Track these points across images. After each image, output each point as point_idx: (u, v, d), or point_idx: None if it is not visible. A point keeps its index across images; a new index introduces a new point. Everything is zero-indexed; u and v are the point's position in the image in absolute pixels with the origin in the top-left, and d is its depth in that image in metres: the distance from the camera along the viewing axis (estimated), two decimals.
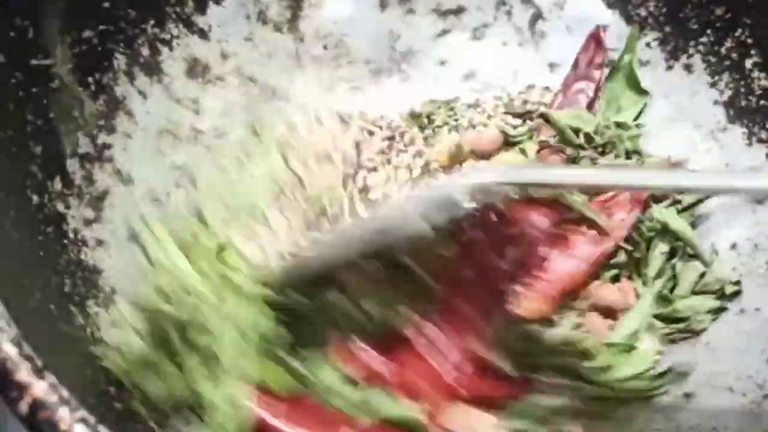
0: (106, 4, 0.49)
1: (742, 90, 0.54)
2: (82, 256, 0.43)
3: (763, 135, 0.52)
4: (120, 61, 0.50)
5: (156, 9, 0.52)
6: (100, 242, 0.45)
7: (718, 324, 0.48)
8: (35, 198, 0.41)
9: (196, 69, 0.55)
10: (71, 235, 0.43)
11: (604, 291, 0.48)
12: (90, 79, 0.48)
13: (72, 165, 0.45)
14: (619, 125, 0.55)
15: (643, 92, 0.57)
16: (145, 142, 0.51)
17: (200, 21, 0.55)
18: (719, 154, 0.54)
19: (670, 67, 0.57)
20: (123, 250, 0.46)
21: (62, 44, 0.45)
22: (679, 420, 0.44)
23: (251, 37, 0.58)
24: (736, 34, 0.54)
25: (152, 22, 0.52)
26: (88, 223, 0.45)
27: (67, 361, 0.34)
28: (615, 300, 0.48)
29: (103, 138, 0.48)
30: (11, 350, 0.28)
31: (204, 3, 0.56)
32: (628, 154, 0.54)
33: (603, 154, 0.54)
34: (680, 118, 0.56)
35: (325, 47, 0.60)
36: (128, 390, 0.37)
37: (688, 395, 0.45)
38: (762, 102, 0.53)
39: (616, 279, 0.50)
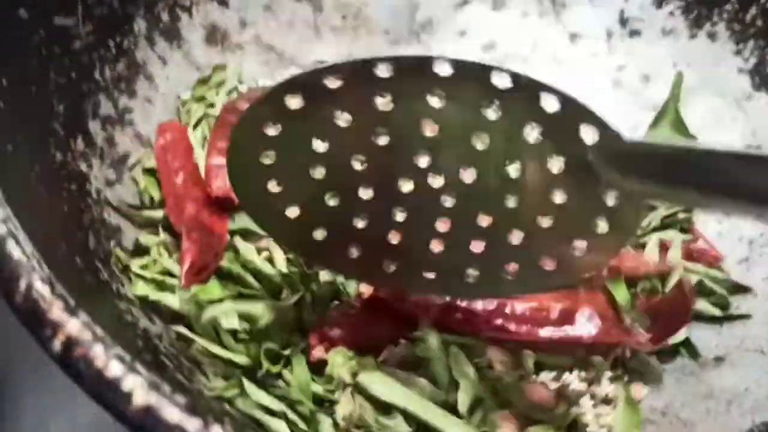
0: None
1: None
2: (105, 216, 0.42)
3: None
4: (140, 25, 0.49)
5: None
6: (123, 203, 0.44)
7: None
8: (58, 155, 0.40)
9: (215, 36, 0.55)
10: (94, 195, 0.42)
11: None
12: (111, 42, 0.47)
13: (94, 126, 0.45)
14: None
15: (691, 137, 0.54)
16: (165, 107, 0.50)
17: None
18: (744, 123, 0.54)
19: (693, 36, 0.57)
20: None
21: (84, 4, 0.45)
22: (710, 383, 0.43)
23: (270, 6, 0.57)
24: (761, 1, 0.53)
25: None
26: (110, 183, 0.44)
27: (95, 311, 0.33)
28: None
29: (124, 102, 0.47)
30: (44, 289, 0.27)
31: None
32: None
33: None
34: (704, 87, 0.56)
35: (344, 17, 0.60)
36: (152, 342, 0.36)
37: (718, 358, 0.44)
38: None
39: None
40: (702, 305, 0.46)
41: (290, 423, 0.36)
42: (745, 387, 0.42)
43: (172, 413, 0.24)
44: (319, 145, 0.32)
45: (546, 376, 0.42)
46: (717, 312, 0.46)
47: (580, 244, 0.32)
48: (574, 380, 0.42)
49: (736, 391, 0.42)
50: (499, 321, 0.40)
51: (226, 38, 0.55)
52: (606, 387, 0.43)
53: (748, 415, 0.40)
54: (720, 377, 0.43)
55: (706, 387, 0.43)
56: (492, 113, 0.30)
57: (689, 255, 0.48)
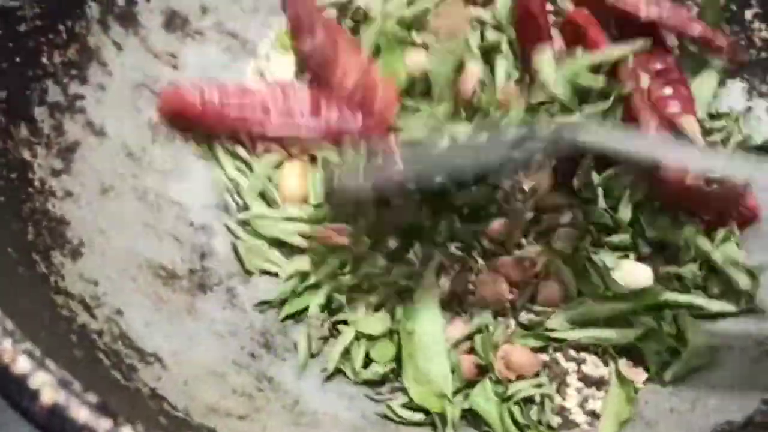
0: None
1: (742, 43, 0.51)
2: (49, 206, 0.41)
3: (764, 88, 0.50)
4: (93, 9, 0.48)
5: None
6: (69, 193, 0.42)
7: None
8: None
9: (174, 22, 0.53)
10: (37, 184, 0.41)
11: None
12: (61, 27, 0.45)
13: (40, 113, 0.43)
14: None
15: None
16: (120, 95, 0.48)
17: None
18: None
19: None
20: (93, 203, 0.44)
21: None
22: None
23: None
24: None
25: None
26: (56, 173, 0.42)
27: (23, 304, 0.32)
28: None
29: (74, 88, 0.46)
30: None
31: None
32: None
33: None
34: None
35: None
36: (89, 338, 0.34)
37: None
38: (762, 54, 0.51)
39: None
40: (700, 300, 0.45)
41: None
42: (711, 385, 0.41)
43: (79, 413, 0.23)
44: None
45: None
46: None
47: None
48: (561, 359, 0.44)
49: (702, 389, 0.41)
50: None
51: (186, 24, 0.53)
52: (598, 369, 0.43)
53: (711, 415, 0.39)
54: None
55: (671, 386, 0.41)
56: None
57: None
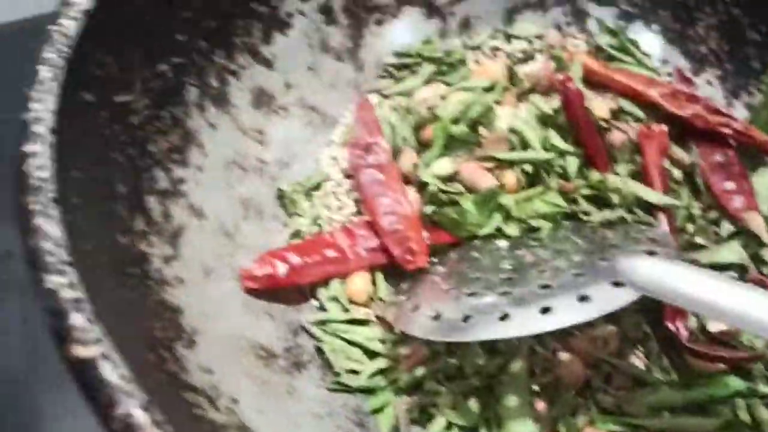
0: (181, 37, 0.49)
1: None
2: (165, 296, 0.43)
3: None
4: (191, 93, 0.50)
5: (225, 39, 0.52)
6: (180, 280, 0.44)
7: None
8: (125, 240, 0.41)
9: (261, 99, 0.55)
10: (155, 275, 0.43)
11: None
12: (164, 113, 0.48)
13: (151, 202, 0.45)
14: None
15: None
16: (214, 174, 0.51)
17: (266, 51, 0.55)
18: None
19: (729, 105, 0.58)
20: (199, 287, 0.46)
21: (140, 79, 0.45)
22: None
23: (314, 67, 0.58)
24: None
25: (222, 52, 0.52)
26: (168, 260, 0.44)
27: (170, 414, 0.34)
28: None
29: (178, 172, 0.48)
30: (141, 417, 0.28)
31: (270, 33, 0.55)
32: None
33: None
34: None
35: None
36: None
37: None
38: None
39: None
40: None
41: None
42: None
43: None
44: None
45: None
46: None
47: None
48: None
49: None
50: None
51: (272, 101, 0.55)
52: None
53: None
54: None
55: None
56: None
57: None
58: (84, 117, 0.40)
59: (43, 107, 0.36)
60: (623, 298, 0.41)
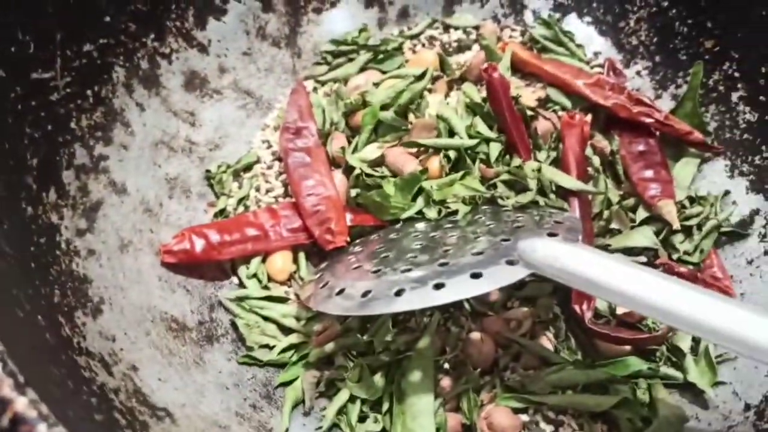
0: (107, 18, 0.50)
1: (728, 123, 0.55)
2: (73, 266, 0.44)
3: (745, 168, 0.53)
4: (119, 73, 0.51)
5: (157, 23, 0.54)
6: (91, 252, 0.46)
7: None
8: (29, 210, 0.42)
9: (194, 82, 0.56)
10: (63, 246, 0.44)
11: None
12: (89, 92, 0.49)
13: (68, 176, 0.46)
14: None
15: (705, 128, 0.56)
16: (140, 153, 0.52)
17: (200, 35, 0.57)
18: (703, 184, 0.55)
19: (658, 96, 0.59)
20: (113, 259, 0.47)
21: (62, 58, 0.47)
22: None
23: (250, 52, 0.59)
24: (724, 67, 0.55)
25: (152, 36, 0.54)
26: (81, 233, 0.46)
27: (51, 373, 0.35)
28: None
29: (99, 149, 0.49)
30: None
31: (204, 18, 0.57)
32: None
33: None
34: None
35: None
36: (107, 398, 0.38)
37: None
38: (746, 135, 0.54)
39: None
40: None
41: None
42: None
43: None
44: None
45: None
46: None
47: None
48: (540, 420, 0.47)
49: None
50: None
51: (205, 84, 0.57)
52: (573, 431, 0.46)
53: None
54: None
55: None
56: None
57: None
58: None
59: None
60: (513, 275, 0.42)
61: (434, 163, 0.53)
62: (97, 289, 0.45)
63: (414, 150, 0.53)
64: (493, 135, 0.53)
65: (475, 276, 0.42)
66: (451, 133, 0.54)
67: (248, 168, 0.57)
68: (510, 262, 0.42)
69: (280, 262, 0.52)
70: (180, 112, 0.55)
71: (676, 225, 0.51)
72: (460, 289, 0.41)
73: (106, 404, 0.38)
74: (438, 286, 0.42)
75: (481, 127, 0.53)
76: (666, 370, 0.48)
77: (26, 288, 0.39)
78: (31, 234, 0.42)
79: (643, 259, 0.51)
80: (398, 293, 0.42)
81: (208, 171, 0.55)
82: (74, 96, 0.48)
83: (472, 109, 0.55)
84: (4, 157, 0.41)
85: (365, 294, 0.43)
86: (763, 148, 0.53)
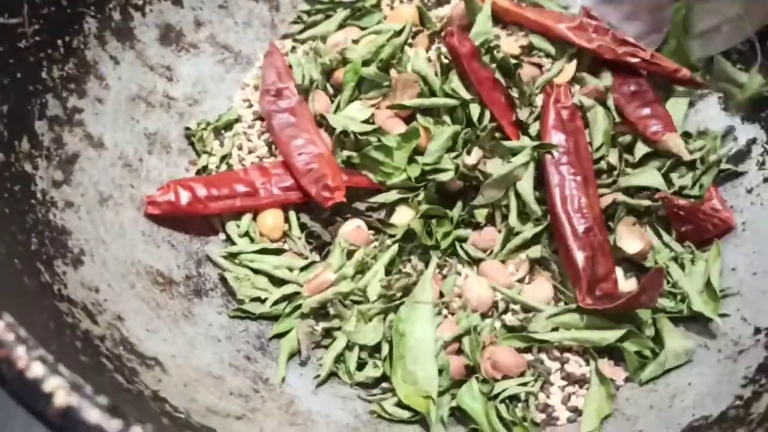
0: None
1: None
2: (50, 217, 0.42)
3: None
4: (90, 24, 0.49)
5: None
6: (69, 204, 0.44)
7: None
8: (1, 156, 0.40)
9: (169, 36, 0.54)
10: (39, 196, 0.42)
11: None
12: (59, 42, 0.47)
13: (40, 126, 0.44)
14: None
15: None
16: (117, 107, 0.50)
17: None
18: (699, 119, 0.54)
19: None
20: (93, 212, 0.45)
21: (29, 4, 0.44)
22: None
23: (226, 5, 0.57)
24: None
25: None
26: (57, 184, 0.44)
27: (31, 313, 0.33)
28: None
29: (73, 101, 0.47)
30: None
31: None
32: None
33: None
34: None
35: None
36: (92, 344, 0.36)
37: None
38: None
39: None
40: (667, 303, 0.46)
41: None
42: (689, 382, 0.42)
43: (91, 414, 0.24)
44: None
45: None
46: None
47: None
48: (545, 358, 0.45)
49: (680, 386, 0.43)
50: None
51: (181, 38, 0.55)
52: (581, 368, 0.45)
53: (689, 410, 0.41)
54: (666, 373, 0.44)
55: (651, 383, 0.43)
56: None
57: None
58: None
59: None
60: None
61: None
62: (77, 241, 0.43)
63: (402, 113, 0.52)
64: (468, 96, 0.51)
65: None
66: (432, 92, 0.52)
67: (229, 126, 0.55)
68: None
69: (271, 220, 0.50)
70: (156, 67, 0.53)
71: (687, 156, 0.49)
72: None
73: (91, 349, 0.36)
74: None
75: (456, 84, 0.51)
76: (668, 303, 0.46)
77: (1, 233, 0.37)
78: (4, 181, 0.40)
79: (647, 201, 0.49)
80: None
81: (187, 128, 0.53)
82: (44, 44, 0.45)
83: (448, 66, 0.53)
84: None
85: None
86: None
